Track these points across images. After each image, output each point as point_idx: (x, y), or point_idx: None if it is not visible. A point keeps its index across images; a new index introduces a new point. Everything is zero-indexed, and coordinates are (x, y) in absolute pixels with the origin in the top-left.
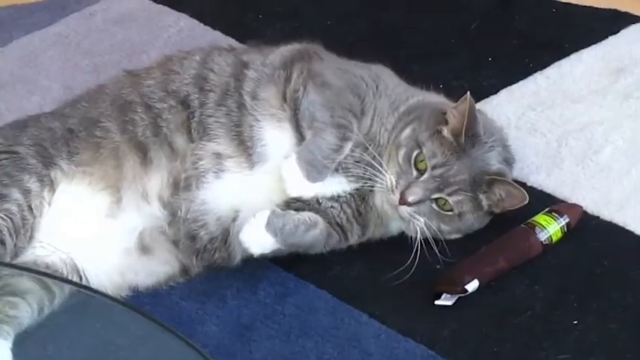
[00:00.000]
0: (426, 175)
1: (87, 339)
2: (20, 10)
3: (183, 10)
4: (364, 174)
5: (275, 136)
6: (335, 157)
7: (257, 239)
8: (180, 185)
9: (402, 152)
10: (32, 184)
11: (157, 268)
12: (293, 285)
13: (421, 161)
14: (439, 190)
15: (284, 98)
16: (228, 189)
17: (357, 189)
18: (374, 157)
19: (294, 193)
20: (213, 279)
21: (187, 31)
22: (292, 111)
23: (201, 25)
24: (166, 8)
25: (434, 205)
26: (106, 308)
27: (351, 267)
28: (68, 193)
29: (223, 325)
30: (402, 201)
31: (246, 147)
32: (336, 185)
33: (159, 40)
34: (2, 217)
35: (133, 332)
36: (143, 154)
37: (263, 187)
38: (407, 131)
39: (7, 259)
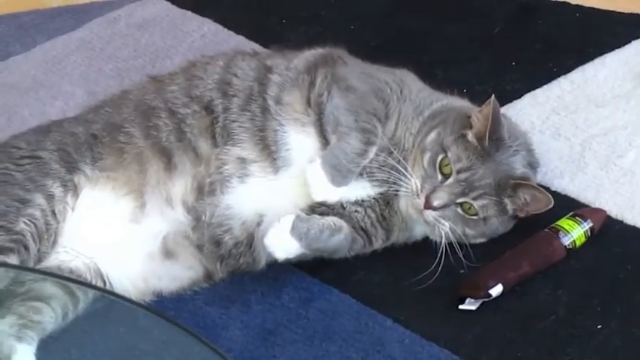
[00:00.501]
0: (451, 180)
1: (111, 344)
2: (43, 15)
3: (206, 15)
4: (389, 178)
5: (299, 141)
6: (360, 162)
7: (282, 244)
8: (205, 190)
9: (427, 156)
10: (56, 189)
11: (180, 273)
12: (317, 289)
13: (446, 165)
14: (464, 194)
15: (308, 103)
16: (252, 193)
17: (381, 193)
18: (399, 162)
19: (318, 198)
20: (238, 284)
21: (211, 36)
22: (317, 115)
23: (225, 30)
24: (190, 13)
25: (459, 210)
26: (129, 313)
27: (375, 272)
28: (92, 198)
29: (247, 330)
30: (428, 205)
31: (270, 151)
32: (360, 190)
33: (182, 45)
34: (26, 222)
35: (157, 337)
36: (167, 159)
37: (287, 192)
38: (432, 135)
39: (31, 264)
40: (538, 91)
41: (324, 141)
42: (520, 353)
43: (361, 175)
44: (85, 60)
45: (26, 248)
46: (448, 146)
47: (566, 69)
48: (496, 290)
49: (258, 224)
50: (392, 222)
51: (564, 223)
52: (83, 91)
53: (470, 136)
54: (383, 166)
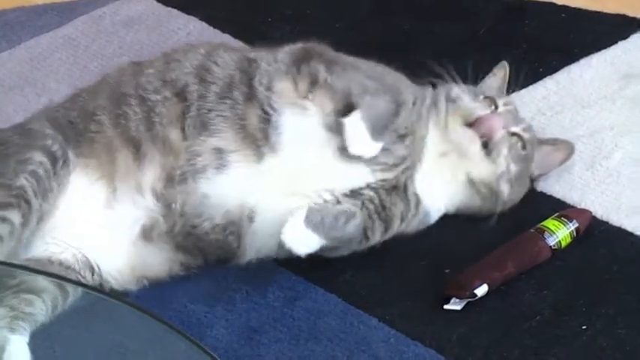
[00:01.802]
0: (500, 109)
1: (95, 340)
2: (28, 13)
3: (192, 13)
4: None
5: (294, 123)
6: (393, 120)
7: (300, 238)
8: (175, 180)
9: (465, 97)
10: (56, 149)
11: (163, 259)
12: (302, 288)
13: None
14: (516, 123)
15: (309, 86)
16: (234, 182)
17: (383, 180)
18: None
19: (356, 151)
20: (222, 282)
21: (197, 34)
22: (323, 96)
23: (211, 28)
24: (175, 11)
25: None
26: (114, 310)
27: (361, 271)
28: (71, 182)
29: (232, 329)
30: (488, 126)
31: (254, 139)
32: (357, 178)
33: (168, 43)
34: (27, 178)
35: (141, 334)
36: (136, 149)
37: (276, 178)
38: (455, 89)
39: (34, 222)
40: (524, 91)
41: (331, 119)
42: (505, 353)
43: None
44: (70, 57)
45: (27, 202)
46: (482, 90)
47: (552, 69)
48: (481, 290)
49: (249, 217)
50: (392, 212)
51: (550, 223)
52: (68, 88)
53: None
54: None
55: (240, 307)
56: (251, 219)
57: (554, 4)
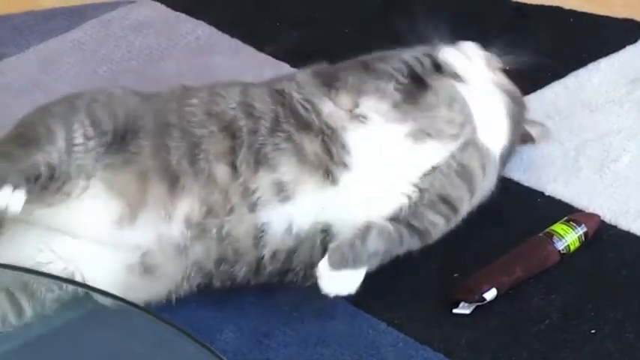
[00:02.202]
0: None
1: (104, 344)
2: (37, 17)
3: (200, 17)
4: None
5: (360, 136)
6: None
7: (336, 283)
8: (220, 212)
9: None
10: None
11: (158, 288)
12: (311, 292)
13: None
14: None
15: (353, 99)
16: (302, 211)
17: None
18: None
19: None
20: (231, 286)
21: (205, 39)
22: (368, 100)
23: (219, 32)
24: (184, 15)
25: None
26: (123, 313)
27: (370, 275)
28: (84, 188)
29: (241, 333)
30: None
31: (319, 165)
32: (435, 155)
33: (176, 48)
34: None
35: (150, 338)
36: (173, 183)
37: (354, 193)
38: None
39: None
40: (532, 95)
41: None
42: (514, 357)
43: None
44: (79, 61)
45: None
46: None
47: (560, 74)
48: (490, 294)
49: (322, 241)
50: (472, 166)
51: (558, 227)
52: None
53: None
54: None
55: (249, 311)
56: (323, 241)
57: (562, 9)
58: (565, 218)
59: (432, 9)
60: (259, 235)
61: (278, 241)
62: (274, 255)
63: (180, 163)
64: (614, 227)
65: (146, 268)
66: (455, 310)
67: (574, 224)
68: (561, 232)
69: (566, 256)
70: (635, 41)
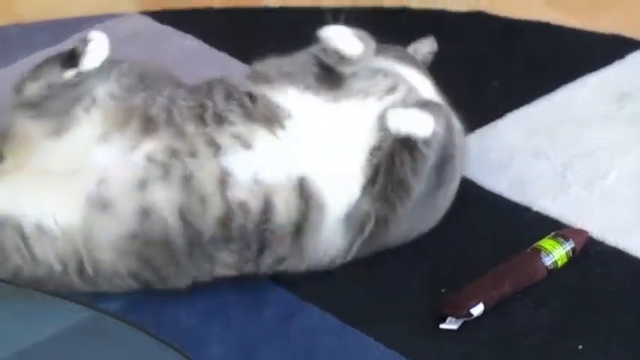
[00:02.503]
0: None
1: (89, 358)
2: (24, 30)
3: (188, 31)
4: None
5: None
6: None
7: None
8: (181, 153)
9: None
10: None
11: (119, 228)
12: (298, 306)
13: None
14: None
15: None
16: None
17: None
18: None
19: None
20: (218, 298)
21: (192, 52)
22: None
23: (207, 46)
24: (171, 29)
25: None
26: (108, 326)
27: (357, 289)
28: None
29: (227, 346)
30: None
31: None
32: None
33: (163, 61)
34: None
35: (136, 351)
36: (148, 123)
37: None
38: None
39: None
40: (520, 110)
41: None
42: None
43: None
44: None
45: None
46: None
47: (548, 89)
48: (477, 309)
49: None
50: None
51: (546, 243)
52: None
53: None
54: None
55: (235, 325)
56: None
57: (550, 24)
58: (553, 233)
59: (420, 23)
60: (224, 179)
61: (245, 190)
62: (243, 207)
63: (158, 114)
64: (602, 243)
65: (103, 201)
66: (442, 326)
67: (562, 240)
68: (549, 248)
69: (554, 272)
70: (622, 57)
